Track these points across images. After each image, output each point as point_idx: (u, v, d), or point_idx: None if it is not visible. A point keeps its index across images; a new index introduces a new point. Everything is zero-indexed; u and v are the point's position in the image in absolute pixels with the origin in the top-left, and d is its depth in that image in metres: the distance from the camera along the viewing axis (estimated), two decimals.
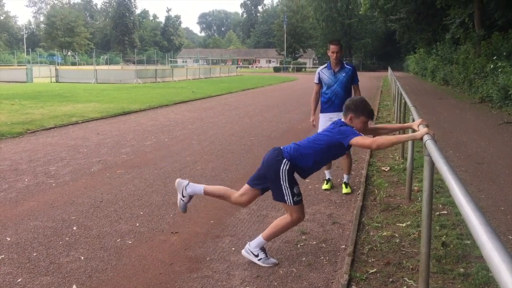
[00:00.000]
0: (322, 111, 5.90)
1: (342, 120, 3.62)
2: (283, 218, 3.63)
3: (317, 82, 5.87)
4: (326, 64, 5.87)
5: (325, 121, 5.79)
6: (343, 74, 5.68)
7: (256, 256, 3.62)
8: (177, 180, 3.95)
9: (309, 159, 3.50)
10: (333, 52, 5.59)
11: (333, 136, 3.46)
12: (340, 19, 72.70)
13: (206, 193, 3.85)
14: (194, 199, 5.22)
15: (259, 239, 3.65)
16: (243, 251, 3.71)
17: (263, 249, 3.65)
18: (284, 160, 3.47)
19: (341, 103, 5.75)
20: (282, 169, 3.46)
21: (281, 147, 3.60)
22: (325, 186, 5.85)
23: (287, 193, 3.47)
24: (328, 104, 5.79)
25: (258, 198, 5.20)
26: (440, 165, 2.27)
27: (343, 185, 5.76)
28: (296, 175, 3.58)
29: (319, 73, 5.84)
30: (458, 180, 1.91)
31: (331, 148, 3.49)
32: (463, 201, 1.66)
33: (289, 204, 3.50)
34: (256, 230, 4.25)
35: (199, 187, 3.86)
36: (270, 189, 3.61)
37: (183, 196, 3.86)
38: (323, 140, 3.50)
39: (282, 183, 3.46)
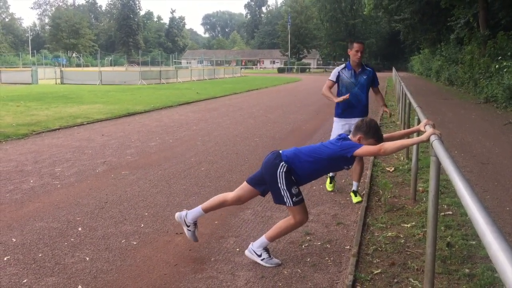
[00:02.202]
0: (339, 116, 5.47)
1: (349, 136, 3.60)
2: (286, 220, 3.63)
3: (334, 80, 5.41)
4: (345, 65, 5.45)
5: (341, 126, 5.41)
6: (364, 77, 5.36)
7: (259, 256, 3.62)
8: (176, 214, 3.93)
9: (308, 167, 3.49)
10: (357, 51, 5.21)
11: (336, 149, 3.44)
12: (344, 19, 72.71)
13: (206, 210, 3.84)
14: (197, 200, 5.23)
15: (262, 239, 3.66)
16: (246, 251, 3.72)
17: (266, 249, 3.65)
18: (282, 163, 3.47)
19: (363, 109, 5.36)
20: (279, 172, 3.46)
21: (280, 151, 3.60)
22: (329, 187, 5.70)
23: (285, 195, 3.47)
24: (349, 109, 5.37)
25: (263, 199, 5.22)
26: (447, 165, 2.26)
27: (352, 194, 5.38)
28: None
29: (339, 72, 5.40)
30: (464, 180, 1.90)
31: (333, 161, 3.48)
32: (469, 201, 1.65)
33: (289, 205, 3.50)
34: (261, 231, 4.25)
35: (197, 209, 3.84)
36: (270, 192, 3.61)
37: (188, 226, 3.83)
38: (325, 151, 3.47)
39: (279, 185, 3.47)
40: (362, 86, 5.38)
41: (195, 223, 3.84)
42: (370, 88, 5.54)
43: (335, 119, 5.57)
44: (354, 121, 5.24)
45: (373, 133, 3.51)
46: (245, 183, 3.75)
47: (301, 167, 3.48)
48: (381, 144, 3.37)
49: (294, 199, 3.48)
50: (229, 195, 3.78)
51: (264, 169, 3.57)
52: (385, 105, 5.81)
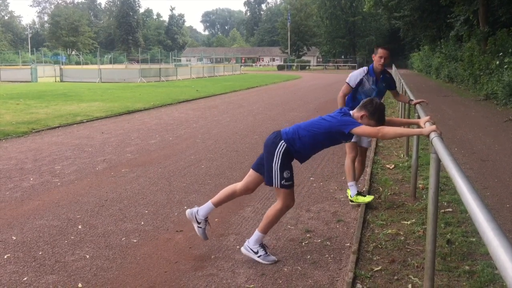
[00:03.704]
0: None
1: (351, 112, 3.61)
2: (273, 207, 3.63)
3: (354, 86, 5.03)
4: (367, 70, 5.11)
5: None
6: (384, 84, 5.16)
7: (256, 253, 3.61)
8: (186, 211, 3.89)
9: (306, 141, 3.48)
10: (380, 57, 4.95)
11: (334, 122, 3.45)
12: (344, 16, 72.64)
13: (216, 204, 3.82)
14: (197, 197, 5.23)
15: (256, 234, 3.65)
16: (242, 248, 3.70)
17: (262, 245, 3.63)
18: (281, 142, 3.48)
19: None
20: (277, 151, 3.47)
21: (281, 130, 3.62)
22: (367, 199, 4.92)
23: (276, 175, 3.47)
24: None
25: (263, 196, 5.23)
26: (447, 162, 2.26)
27: (359, 196, 4.99)
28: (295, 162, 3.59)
29: (362, 78, 5.04)
30: (464, 177, 1.90)
31: (331, 134, 3.48)
32: (469, 198, 1.65)
33: (276, 186, 3.50)
34: None
35: (207, 205, 3.82)
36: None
37: (199, 223, 3.80)
38: (323, 125, 3.48)
39: (273, 164, 3.47)
40: (381, 92, 5.19)
41: (206, 220, 3.81)
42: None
43: None
44: None
45: (378, 116, 3.56)
46: (250, 169, 3.76)
47: (301, 143, 3.48)
48: (380, 127, 3.36)
49: (283, 182, 3.48)
50: (238, 185, 3.78)
51: (264, 148, 3.59)
52: (412, 99, 5.55)
